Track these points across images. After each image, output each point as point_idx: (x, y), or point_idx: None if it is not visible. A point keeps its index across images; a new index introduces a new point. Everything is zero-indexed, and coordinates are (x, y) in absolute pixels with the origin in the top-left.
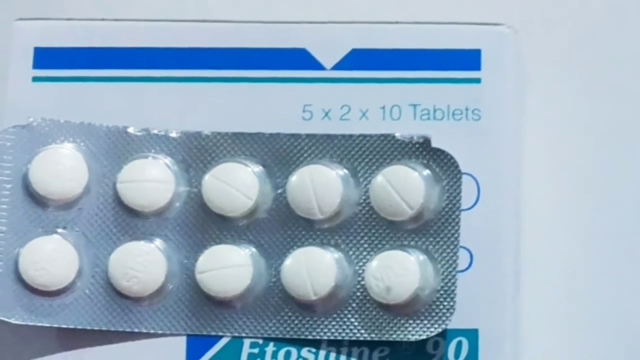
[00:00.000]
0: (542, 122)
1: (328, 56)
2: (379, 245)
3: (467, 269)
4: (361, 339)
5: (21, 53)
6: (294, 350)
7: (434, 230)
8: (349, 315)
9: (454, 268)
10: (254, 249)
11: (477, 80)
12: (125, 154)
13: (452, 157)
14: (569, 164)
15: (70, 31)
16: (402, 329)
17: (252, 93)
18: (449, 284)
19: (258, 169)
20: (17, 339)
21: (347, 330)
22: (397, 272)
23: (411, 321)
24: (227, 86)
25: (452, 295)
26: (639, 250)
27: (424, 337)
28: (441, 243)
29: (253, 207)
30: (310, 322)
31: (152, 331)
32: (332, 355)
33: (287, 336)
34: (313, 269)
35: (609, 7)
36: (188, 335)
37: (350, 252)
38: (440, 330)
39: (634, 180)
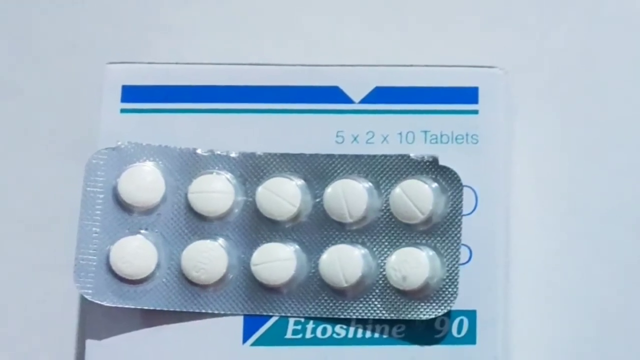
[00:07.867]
0: (527, 145)
1: (356, 92)
2: (397, 243)
3: (467, 262)
4: (382, 318)
5: (111, 90)
6: (329, 327)
7: (440, 231)
8: (373, 299)
9: (457, 261)
10: (297, 246)
11: (475, 112)
12: (195, 170)
13: (455, 173)
14: (549, 178)
15: (151, 72)
16: (415, 310)
17: (295, 122)
18: (453, 274)
19: (300, 182)
20: (108, 318)
21: (372, 311)
22: (412, 264)
23: (422, 304)
24: (276, 116)
25: (455, 283)
26: (605, 247)
27: (432, 316)
28: (446, 241)
29: (296, 212)
30: (342, 305)
31: (215, 312)
32: (360, 332)
33: (324, 316)
34: (344, 262)
35: (584, 52)
36: (244, 315)
37: (374, 249)
38: (446, 311)
39: (601, 191)
